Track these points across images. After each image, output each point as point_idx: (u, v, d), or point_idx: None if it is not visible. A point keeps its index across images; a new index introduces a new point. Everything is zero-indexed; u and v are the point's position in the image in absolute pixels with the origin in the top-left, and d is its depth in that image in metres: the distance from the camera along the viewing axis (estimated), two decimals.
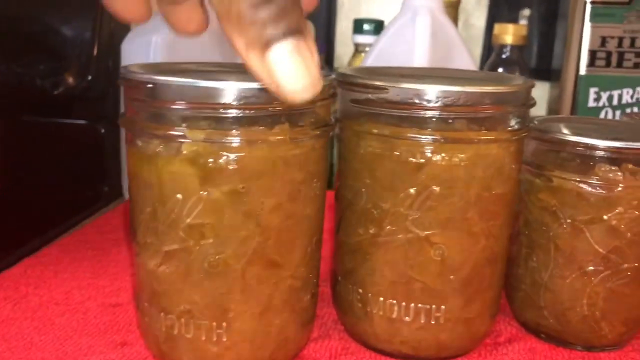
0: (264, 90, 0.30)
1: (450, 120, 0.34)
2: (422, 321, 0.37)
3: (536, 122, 0.41)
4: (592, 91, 0.81)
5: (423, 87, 0.34)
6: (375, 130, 0.35)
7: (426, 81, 0.35)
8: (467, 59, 0.77)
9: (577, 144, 0.38)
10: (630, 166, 0.37)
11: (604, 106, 0.80)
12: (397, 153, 0.35)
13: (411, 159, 0.35)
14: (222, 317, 0.34)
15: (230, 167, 0.31)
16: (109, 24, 0.71)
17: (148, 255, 0.34)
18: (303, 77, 0.24)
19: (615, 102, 0.80)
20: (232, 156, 0.31)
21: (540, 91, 0.99)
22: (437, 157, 0.34)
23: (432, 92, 0.34)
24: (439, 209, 0.35)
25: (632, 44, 0.78)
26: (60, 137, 0.76)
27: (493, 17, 1.03)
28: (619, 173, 0.37)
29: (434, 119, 0.34)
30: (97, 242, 0.54)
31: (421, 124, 0.34)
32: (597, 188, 0.37)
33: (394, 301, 0.37)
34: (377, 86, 0.35)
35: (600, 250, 0.38)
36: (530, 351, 0.40)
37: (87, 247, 0.53)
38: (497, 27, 0.90)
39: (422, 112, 0.34)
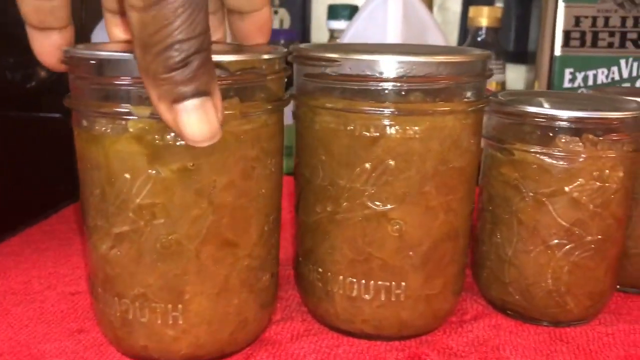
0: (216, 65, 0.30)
1: (404, 92, 0.33)
2: (383, 299, 0.36)
3: (499, 97, 0.40)
4: (568, 72, 0.80)
5: (375, 58, 0.33)
6: (329, 105, 0.35)
7: (379, 53, 0.34)
8: (441, 41, 0.76)
9: (537, 115, 0.37)
10: (590, 136, 0.37)
11: (579, 87, 0.80)
12: (351, 127, 0.34)
13: (365, 133, 0.34)
14: (178, 300, 0.33)
15: (179, 144, 0.31)
16: (80, 15, 0.69)
17: (98, 238, 0.33)
18: (202, 130, 0.28)
19: (590, 82, 0.80)
20: None
21: (518, 73, 0.98)
22: (392, 131, 0.34)
23: (384, 64, 0.33)
24: (396, 183, 0.34)
25: (606, 24, 0.78)
26: (32, 131, 0.75)
27: (469, 1, 1.03)
28: (580, 143, 0.37)
29: (388, 91, 0.33)
30: (61, 232, 0.53)
31: (375, 96, 0.34)
32: (558, 160, 0.37)
33: (354, 279, 0.36)
34: (329, 58, 0.34)
35: (563, 223, 0.37)
36: (495, 328, 0.39)
37: (52, 237, 0.52)
38: (472, 10, 0.89)
39: (375, 84, 0.33)
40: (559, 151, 0.37)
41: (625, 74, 0.80)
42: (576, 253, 0.38)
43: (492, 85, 0.89)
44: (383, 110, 0.33)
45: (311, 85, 0.36)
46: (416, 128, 0.34)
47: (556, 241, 0.38)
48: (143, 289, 0.33)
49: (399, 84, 0.33)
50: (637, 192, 0.42)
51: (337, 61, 0.34)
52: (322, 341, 0.37)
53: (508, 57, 0.96)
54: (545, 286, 0.39)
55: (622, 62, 0.79)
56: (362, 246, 0.36)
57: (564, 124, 0.37)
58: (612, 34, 0.78)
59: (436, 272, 0.37)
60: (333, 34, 0.91)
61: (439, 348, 0.37)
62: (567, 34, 0.79)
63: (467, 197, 0.37)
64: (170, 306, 0.33)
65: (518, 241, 0.39)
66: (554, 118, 0.37)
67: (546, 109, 0.37)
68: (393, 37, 0.71)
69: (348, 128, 0.34)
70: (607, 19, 0.78)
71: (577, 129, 0.37)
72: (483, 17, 0.88)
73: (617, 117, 0.37)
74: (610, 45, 0.78)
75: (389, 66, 0.33)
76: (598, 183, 0.37)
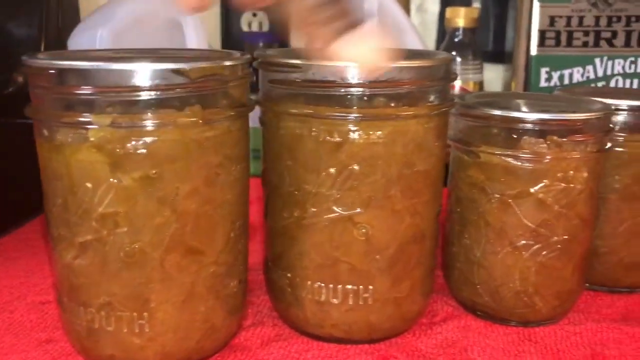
0: (173, 72, 0.30)
1: (366, 98, 0.34)
2: (351, 303, 0.36)
3: (465, 99, 0.40)
4: (544, 71, 0.81)
5: (337, 64, 0.33)
6: (293, 111, 0.35)
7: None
8: (417, 43, 0.76)
9: (502, 117, 0.38)
10: (555, 138, 0.37)
11: (555, 86, 0.81)
12: (316, 133, 0.34)
13: (329, 138, 0.34)
14: (143, 308, 0.33)
15: (140, 152, 0.31)
16: (56, 20, 0.69)
17: (63, 248, 0.33)
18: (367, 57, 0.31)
19: (566, 81, 0.80)
20: (142, 141, 0.31)
21: (495, 74, 0.99)
22: (355, 136, 0.34)
23: (346, 70, 0.33)
24: (361, 188, 0.35)
25: (581, 23, 0.79)
26: (9, 137, 0.74)
27: (447, 2, 1.03)
28: (544, 145, 0.37)
29: (351, 97, 0.34)
30: (34, 241, 0.53)
31: (338, 102, 0.34)
32: (523, 161, 0.37)
33: (322, 284, 0.36)
34: (292, 65, 0.34)
35: (529, 224, 0.38)
36: (465, 329, 0.39)
37: (24, 246, 0.52)
38: (449, 11, 0.90)
39: (338, 89, 0.33)
40: (523, 153, 0.37)
41: (600, 73, 0.80)
42: (543, 253, 0.38)
43: (469, 85, 0.90)
44: (346, 116, 0.34)
45: (276, 91, 0.36)
46: (379, 133, 0.34)
47: (523, 242, 0.38)
48: (108, 298, 0.33)
49: (361, 90, 0.33)
50: (603, 192, 0.43)
51: (299, 67, 0.34)
52: (292, 346, 0.37)
53: (486, 57, 0.96)
54: (514, 287, 0.39)
55: (597, 60, 0.80)
56: (329, 251, 0.36)
57: (528, 125, 0.37)
58: (586, 33, 0.79)
59: (403, 275, 0.37)
60: None
61: (408, 350, 0.37)
62: (542, 34, 0.79)
63: (433, 199, 0.37)
64: (136, 314, 0.33)
65: (486, 243, 0.39)
66: (518, 120, 0.37)
67: (510, 112, 0.37)
68: None
69: (312, 133, 0.34)
70: (581, 18, 0.78)
71: (542, 130, 0.37)
72: (460, 17, 0.89)
73: (581, 118, 0.37)
74: (585, 44, 0.79)
75: (351, 72, 0.33)
76: (563, 184, 0.37)
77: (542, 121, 0.37)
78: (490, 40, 1.05)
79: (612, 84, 0.78)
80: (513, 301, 0.39)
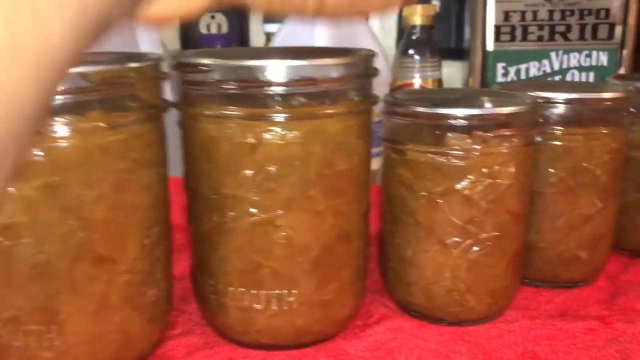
0: (76, 75, 0.29)
1: (280, 97, 0.33)
2: (275, 308, 0.35)
3: (393, 97, 0.40)
4: (500, 66, 0.80)
5: (248, 64, 0.32)
6: (207, 112, 0.34)
7: (257, 58, 0.33)
8: (371, 41, 0.76)
9: (426, 114, 0.37)
10: (480, 133, 0.36)
11: (512, 81, 0.80)
12: (230, 134, 0.33)
13: (244, 139, 0.33)
14: (52, 321, 0.32)
15: (39, 159, 0.29)
16: None
17: None
18: None
19: (523, 76, 0.80)
20: (41, 148, 0.29)
21: (456, 70, 0.99)
22: (270, 136, 0.33)
23: (259, 69, 0.32)
24: (279, 189, 0.34)
25: (535, 17, 0.78)
26: None
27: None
28: (469, 141, 0.36)
29: (264, 97, 0.33)
30: None
31: (252, 102, 0.33)
32: (449, 158, 0.36)
33: (245, 289, 0.35)
34: (202, 65, 0.33)
35: (457, 221, 0.37)
36: (396, 330, 0.38)
37: None
38: (406, 9, 0.89)
39: (251, 89, 0.33)
40: (449, 150, 0.36)
41: (556, 66, 0.80)
42: (473, 250, 0.37)
43: (428, 82, 0.89)
44: (260, 116, 0.33)
45: (191, 92, 0.35)
46: (296, 132, 0.33)
47: (452, 240, 0.37)
48: (15, 312, 0.32)
49: (275, 89, 0.32)
50: (540, 186, 0.42)
51: (208, 67, 0.33)
52: (218, 354, 0.36)
53: (447, 54, 0.96)
54: (445, 285, 0.38)
55: (553, 54, 0.80)
56: (250, 255, 0.35)
57: (452, 122, 0.36)
58: (541, 28, 0.79)
59: (329, 277, 0.36)
60: (269, 37, 0.90)
61: (336, 354, 0.36)
62: (497, 29, 0.79)
63: (357, 199, 0.36)
64: (44, 328, 0.32)
65: (416, 241, 0.38)
66: (443, 117, 0.36)
67: (434, 108, 0.37)
68: (321, 38, 0.71)
69: (227, 135, 0.33)
70: (535, 12, 0.78)
71: (466, 126, 0.36)
72: (416, 15, 0.88)
73: (505, 112, 0.36)
74: (540, 38, 0.79)
75: (264, 71, 0.32)
76: (489, 179, 0.36)
77: (466, 117, 0.36)
78: (451, 37, 1.04)
79: (569, 77, 0.78)
80: (445, 300, 0.38)
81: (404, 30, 0.98)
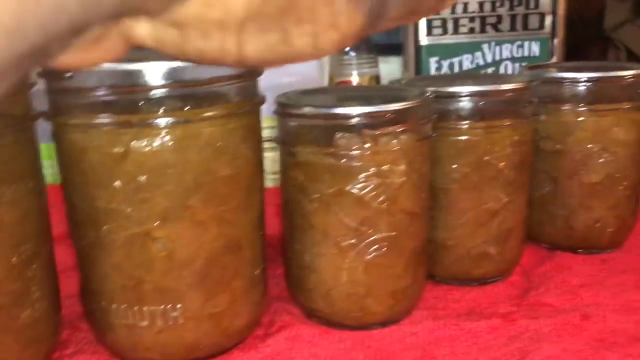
0: None
1: (146, 103, 0.31)
2: (160, 324, 0.34)
3: (281, 97, 0.38)
4: (433, 60, 0.80)
5: (114, 68, 0.30)
6: (73, 121, 0.32)
7: (127, 62, 0.31)
8: None
9: (313, 115, 0.36)
10: (367, 131, 0.35)
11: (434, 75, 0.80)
12: (99, 144, 0.31)
13: (113, 149, 0.31)
14: None
15: None
16: None
17: None
18: None
19: (456, 69, 0.79)
20: None
21: (396, 66, 0.98)
22: (140, 144, 0.31)
23: (126, 73, 0.30)
24: (154, 200, 0.32)
25: (465, 10, 0.78)
26: None
27: None
28: (357, 140, 0.35)
29: (130, 103, 0.31)
30: None
31: (118, 109, 0.31)
32: (339, 158, 0.35)
33: (128, 306, 0.34)
34: (63, 72, 0.31)
35: (351, 223, 0.36)
36: (295, 339, 0.37)
37: None
38: None
39: (118, 95, 0.31)
40: (338, 150, 0.35)
41: (489, 59, 0.80)
42: (368, 252, 0.36)
43: (365, 79, 0.88)
44: (127, 123, 0.31)
45: (57, 100, 0.33)
46: (167, 138, 0.31)
47: (347, 242, 0.36)
48: None
49: (144, 94, 0.31)
50: (444, 182, 0.41)
51: (70, 74, 0.31)
52: None
53: (386, 50, 0.95)
54: (344, 290, 0.37)
55: (485, 46, 0.79)
56: (130, 270, 0.33)
57: (340, 121, 0.35)
58: (472, 20, 0.78)
59: (218, 289, 0.35)
60: None
61: None
62: (429, 23, 0.78)
63: (245, 205, 0.35)
64: None
65: (313, 245, 0.37)
66: (329, 116, 0.35)
67: (321, 108, 0.35)
68: None
69: (95, 145, 0.32)
70: (465, 4, 0.78)
71: (355, 125, 0.35)
72: None
73: (393, 109, 0.35)
74: (472, 30, 0.78)
75: (131, 75, 0.30)
76: (379, 179, 0.35)
77: (353, 115, 0.35)
78: (391, 33, 1.03)
79: (502, 69, 0.78)
80: (346, 304, 0.37)
81: None
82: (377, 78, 0.90)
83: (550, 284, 0.43)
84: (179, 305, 0.34)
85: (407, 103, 0.35)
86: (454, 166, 0.41)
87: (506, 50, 0.80)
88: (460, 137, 0.41)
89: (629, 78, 0.45)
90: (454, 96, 0.41)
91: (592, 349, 0.35)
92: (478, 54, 0.80)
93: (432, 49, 0.79)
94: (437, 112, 0.40)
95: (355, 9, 0.20)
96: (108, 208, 0.32)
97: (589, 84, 0.45)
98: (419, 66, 0.80)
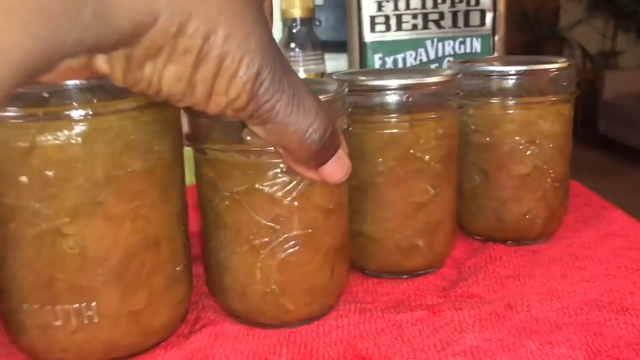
0: None
1: (51, 95, 0.30)
2: (75, 323, 0.33)
3: None
4: (377, 57, 0.80)
5: None
6: None
7: None
8: None
9: None
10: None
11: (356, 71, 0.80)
12: (3, 139, 0.30)
13: (17, 143, 0.30)
14: None
15: None
16: None
17: None
18: (342, 172, 0.33)
19: (400, 65, 0.80)
20: None
21: (341, 63, 0.98)
22: (45, 138, 0.30)
23: None
24: (62, 195, 0.31)
25: (408, 6, 0.78)
26: None
27: None
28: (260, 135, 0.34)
29: (35, 95, 0.30)
30: None
31: (22, 101, 0.30)
32: (248, 155, 0.34)
33: (40, 306, 0.33)
34: None
35: (263, 221, 0.35)
36: (218, 336, 0.36)
37: None
38: (284, 2, 0.87)
39: (24, 87, 0.30)
40: (244, 147, 0.34)
41: (432, 55, 0.80)
42: (282, 250, 0.36)
43: (311, 76, 0.88)
44: (32, 117, 0.30)
45: None
46: (73, 132, 0.30)
47: (259, 240, 0.35)
48: None
49: (52, 86, 0.30)
50: (371, 176, 0.41)
51: None
52: None
53: (334, 47, 0.95)
54: (258, 288, 0.36)
55: (428, 43, 0.80)
56: (41, 268, 0.32)
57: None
58: (414, 16, 0.78)
59: (136, 286, 0.34)
60: None
61: None
62: (372, 19, 0.78)
63: (162, 201, 0.34)
64: None
65: (227, 244, 0.36)
66: None
67: None
68: None
69: (1, 140, 0.31)
70: (408, 1, 0.78)
71: None
72: (295, 8, 0.86)
73: None
74: (415, 27, 0.79)
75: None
76: (288, 176, 0.34)
77: None
78: (338, 29, 1.04)
79: (445, 65, 0.79)
80: (261, 303, 0.36)
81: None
82: (322, 75, 0.90)
83: (479, 275, 0.43)
84: (93, 304, 0.33)
85: (320, 97, 0.35)
86: (380, 160, 0.41)
87: (449, 47, 0.80)
88: (385, 131, 0.41)
89: (553, 71, 0.46)
90: (380, 89, 0.41)
91: (513, 337, 0.35)
92: (421, 50, 0.80)
93: (376, 46, 0.79)
94: (364, 106, 0.40)
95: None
96: (16, 204, 0.31)
97: (515, 77, 0.46)
98: (364, 63, 0.80)
